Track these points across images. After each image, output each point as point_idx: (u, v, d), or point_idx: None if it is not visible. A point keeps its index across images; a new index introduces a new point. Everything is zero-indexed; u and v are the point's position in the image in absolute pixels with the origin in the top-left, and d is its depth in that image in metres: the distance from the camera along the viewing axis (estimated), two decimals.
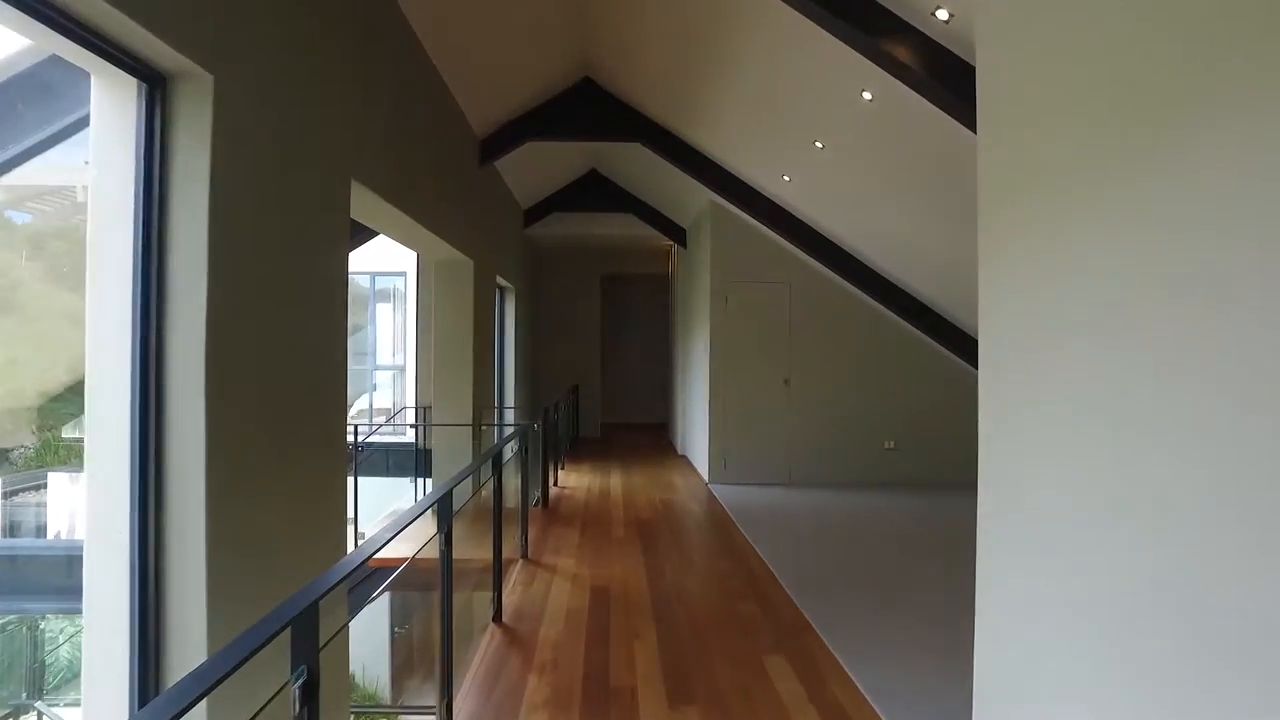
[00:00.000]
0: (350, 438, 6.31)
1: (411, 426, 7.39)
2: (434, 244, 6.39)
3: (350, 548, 6.45)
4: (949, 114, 3.85)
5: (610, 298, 14.79)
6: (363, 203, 4.29)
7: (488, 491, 7.25)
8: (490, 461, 4.58)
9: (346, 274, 3.74)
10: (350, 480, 6.49)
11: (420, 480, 7.32)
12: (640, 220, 11.07)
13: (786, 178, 6.70)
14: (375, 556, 2.85)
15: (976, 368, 7.22)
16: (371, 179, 4.16)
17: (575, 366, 13.44)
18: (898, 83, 4.18)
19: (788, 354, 8.76)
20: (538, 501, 7.37)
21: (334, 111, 3.64)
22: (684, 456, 10.95)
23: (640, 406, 15.29)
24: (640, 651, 3.86)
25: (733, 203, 7.61)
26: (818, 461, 8.76)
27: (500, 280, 9.38)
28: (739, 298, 8.73)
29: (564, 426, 10.83)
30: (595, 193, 10.89)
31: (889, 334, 8.77)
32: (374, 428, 7.49)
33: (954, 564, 5.33)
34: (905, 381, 8.81)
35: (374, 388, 17.71)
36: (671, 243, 11.85)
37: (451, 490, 3.10)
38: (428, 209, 5.68)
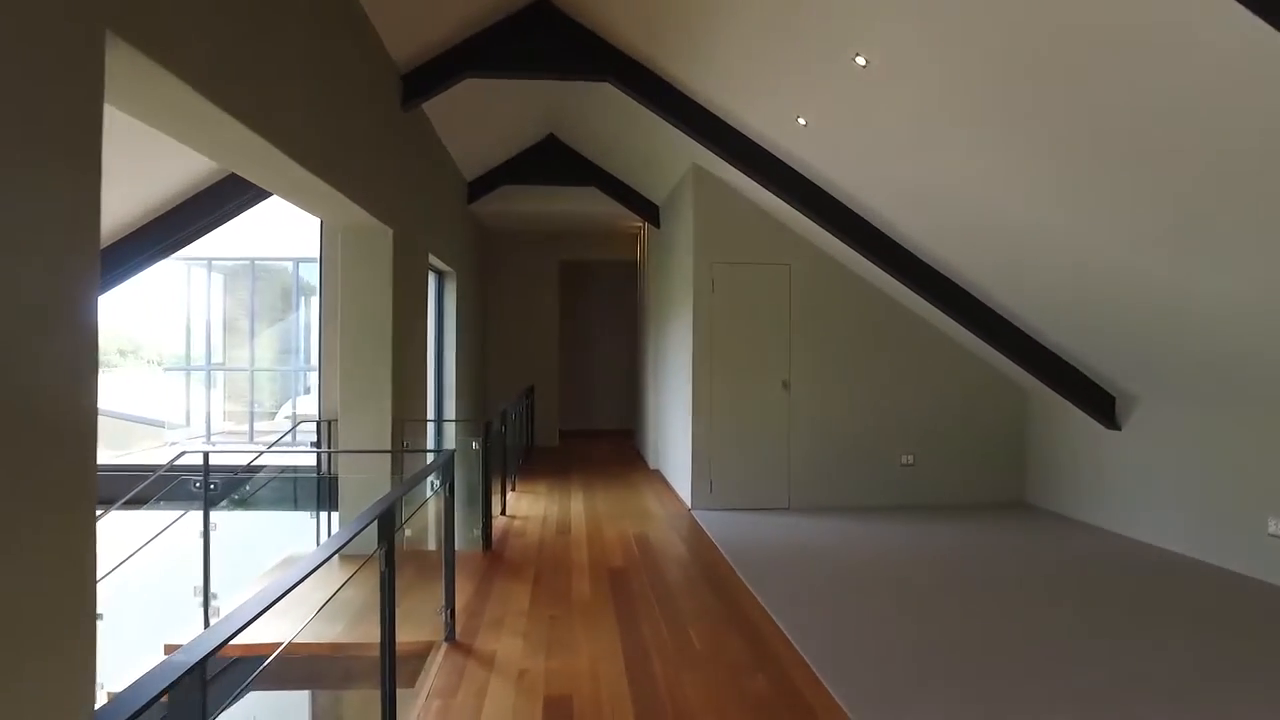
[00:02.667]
0: (202, 460, 4.60)
1: (312, 448, 5.68)
2: (331, 200, 4.70)
3: (167, 645, 4.59)
4: None
5: (571, 287, 13.16)
6: (149, 87, 2.57)
7: (417, 529, 5.60)
8: (390, 524, 2.91)
9: (95, 194, 2.06)
10: (200, 523, 4.77)
11: (325, 515, 5.65)
12: (606, 195, 9.45)
13: (802, 120, 5.15)
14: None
15: (1039, 376, 4.94)
16: (164, 49, 2.47)
17: (530, 366, 11.78)
18: None
19: (787, 351, 7.22)
20: (483, 539, 5.72)
21: None
22: (657, 472, 9.36)
23: (604, 411, 13.68)
24: None
25: (725, 158, 6.03)
26: (822, 481, 7.24)
27: (436, 262, 7.69)
28: (728, 281, 7.16)
29: (516, 436, 9.18)
30: (553, 162, 9.25)
31: (907, 326, 7.30)
32: (260, 451, 5.75)
33: (1047, 625, 3.79)
34: (926, 385, 7.34)
35: (306, 390, 15.80)
36: (641, 222, 10.26)
37: (226, 639, 1.46)
38: (313, 143, 3.99)
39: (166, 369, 14.12)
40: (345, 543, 2.52)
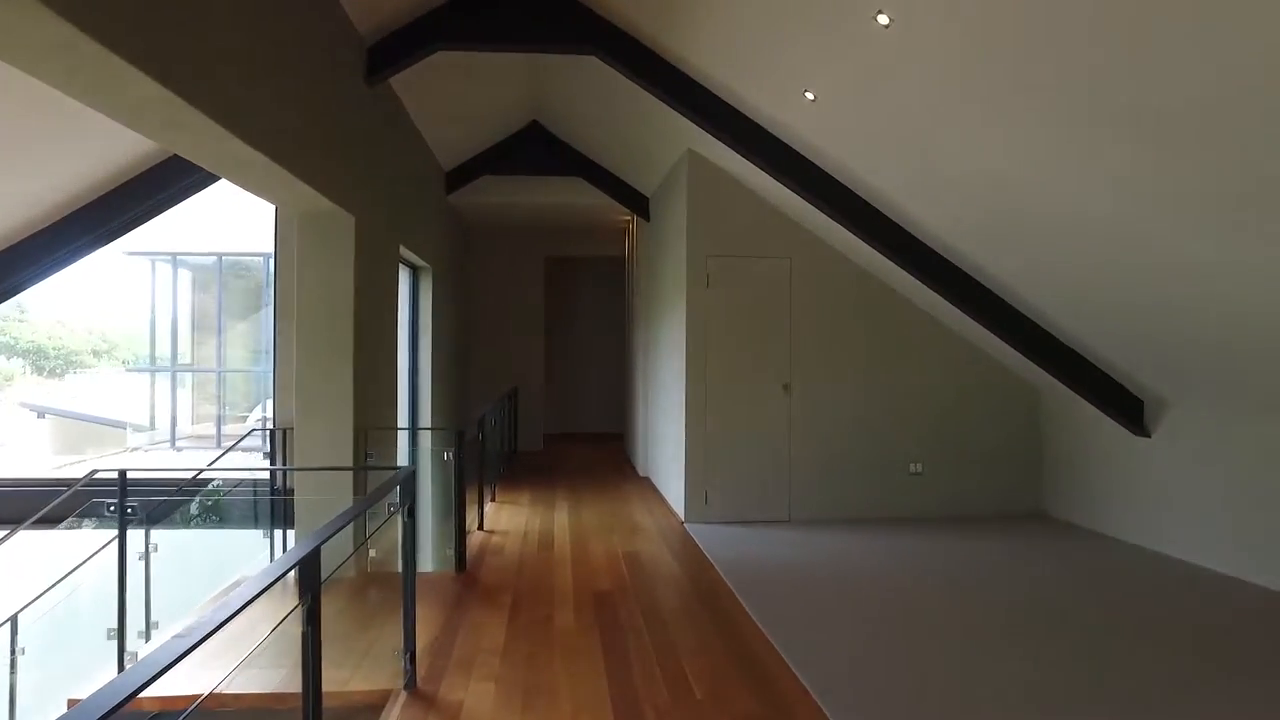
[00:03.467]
0: (112, 473, 4.03)
1: (265, 462, 5.07)
2: (281, 182, 4.15)
3: None
4: None
5: (556, 285, 12.61)
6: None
7: (385, 548, 5.05)
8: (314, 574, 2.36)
9: None
10: (134, 545, 4.20)
11: (280, 534, 5.07)
12: (593, 186, 8.92)
13: (810, 94, 4.63)
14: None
15: (1060, 378, 4.25)
16: None
17: (514, 368, 11.23)
18: None
19: (787, 351, 6.70)
20: (456, 559, 5.18)
21: None
22: (647, 479, 8.83)
23: (592, 414, 13.15)
24: None
25: (723, 140, 5.50)
26: (825, 491, 6.73)
27: (409, 255, 7.14)
28: (724, 276, 6.64)
29: (498, 441, 8.63)
30: (537, 151, 8.71)
31: (917, 326, 6.80)
32: (198, 469, 5.13)
33: (1095, 659, 3.24)
34: (936, 388, 6.85)
35: None
36: (630, 215, 9.74)
37: None
38: (253, 111, 3.45)
39: (128, 370, 13.48)
40: (260, 592, 1.98)
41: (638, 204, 8.92)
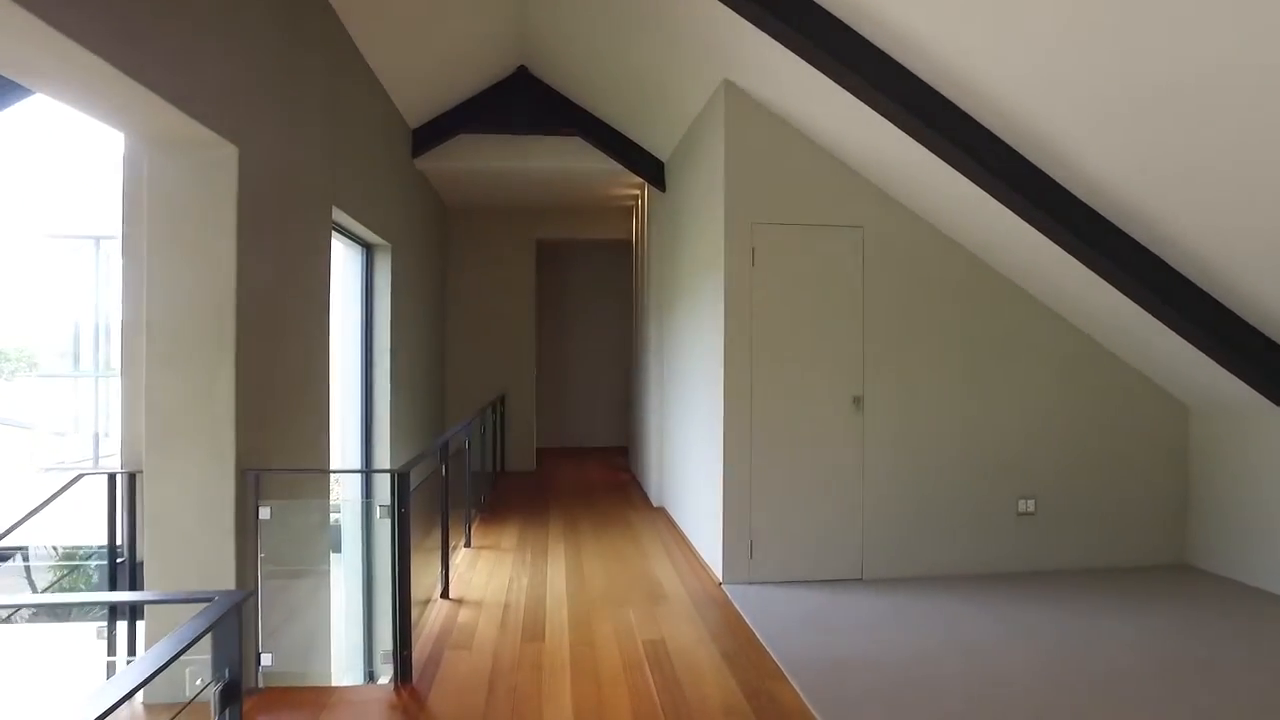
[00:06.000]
0: None
1: (103, 521, 3.33)
2: (100, 83, 2.44)
3: None
4: None
5: (551, 273, 10.91)
6: None
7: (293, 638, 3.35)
8: None
9: None
10: None
11: (126, 628, 3.33)
12: (594, 148, 7.21)
13: None
14: None
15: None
16: None
17: (501, 371, 9.53)
18: None
19: (860, 352, 5.01)
20: (397, 665, 3.46)
21: None
22: (663, 511, 7.12)
23: (593, 425, 11.49)
24: None
25: (786, 42, 3.75)
26: (908, 539, 5.03)
27: (355, 226, 5.44)
28: (774, 250, 4.94)
29: (479, 462, 6.95)
30: (525, 105, 7.02)
31: (1027, 319, 5.14)
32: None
33: None
34: (1052, 400, 5.17)
35: None
36: (639, 187, 8.06)
37: None
38: None
39: (40, 375, 11.75)
40: None
41: (651, 170, 7.22)
